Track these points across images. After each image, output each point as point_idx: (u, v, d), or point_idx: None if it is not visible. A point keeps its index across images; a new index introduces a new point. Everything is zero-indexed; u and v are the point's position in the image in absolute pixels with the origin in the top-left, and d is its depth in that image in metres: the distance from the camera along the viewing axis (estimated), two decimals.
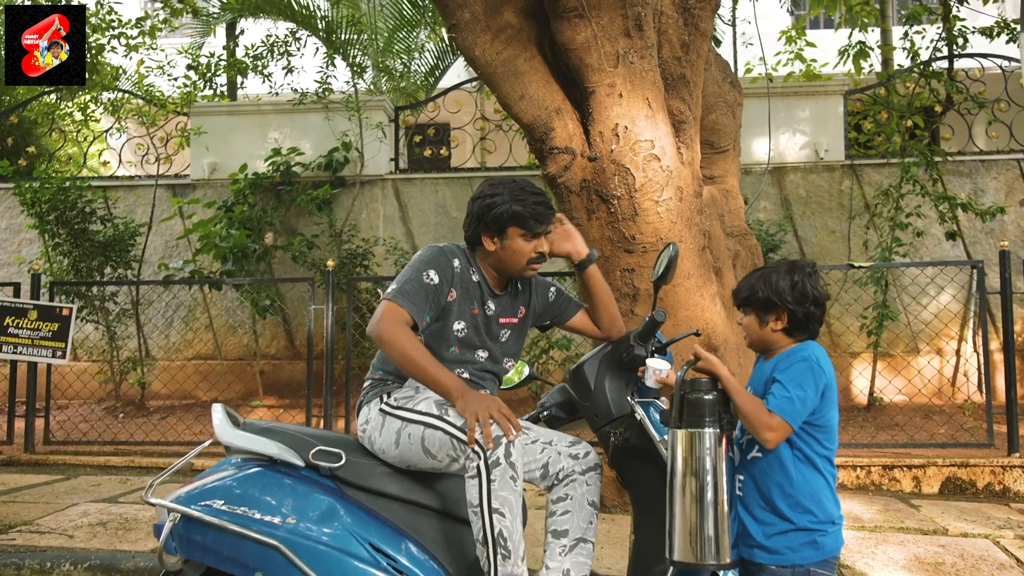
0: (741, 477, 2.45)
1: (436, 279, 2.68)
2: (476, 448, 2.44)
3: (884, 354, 7.57)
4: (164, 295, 8.52)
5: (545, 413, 3.06)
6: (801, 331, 2.41)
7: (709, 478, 2.25)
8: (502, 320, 2.86)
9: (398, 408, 2.68)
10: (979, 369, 7.64)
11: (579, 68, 3.77)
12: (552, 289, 3.02)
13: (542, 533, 2.81)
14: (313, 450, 2.70)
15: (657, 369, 2.54)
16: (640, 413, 2.65)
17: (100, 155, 10.12)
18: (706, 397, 2.30)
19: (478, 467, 2.43)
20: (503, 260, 2.76)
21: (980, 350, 7.73)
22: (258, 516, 2.60)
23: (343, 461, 2.69)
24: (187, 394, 8.27)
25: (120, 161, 9.14)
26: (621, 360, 2.81)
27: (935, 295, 7.70)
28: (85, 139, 9.25)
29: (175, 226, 8.76)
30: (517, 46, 3.85)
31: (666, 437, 2.60)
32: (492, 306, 2.83)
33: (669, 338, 2.94)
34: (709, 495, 2.24)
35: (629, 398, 2.74)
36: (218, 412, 2.84)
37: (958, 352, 7.84)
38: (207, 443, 2.97)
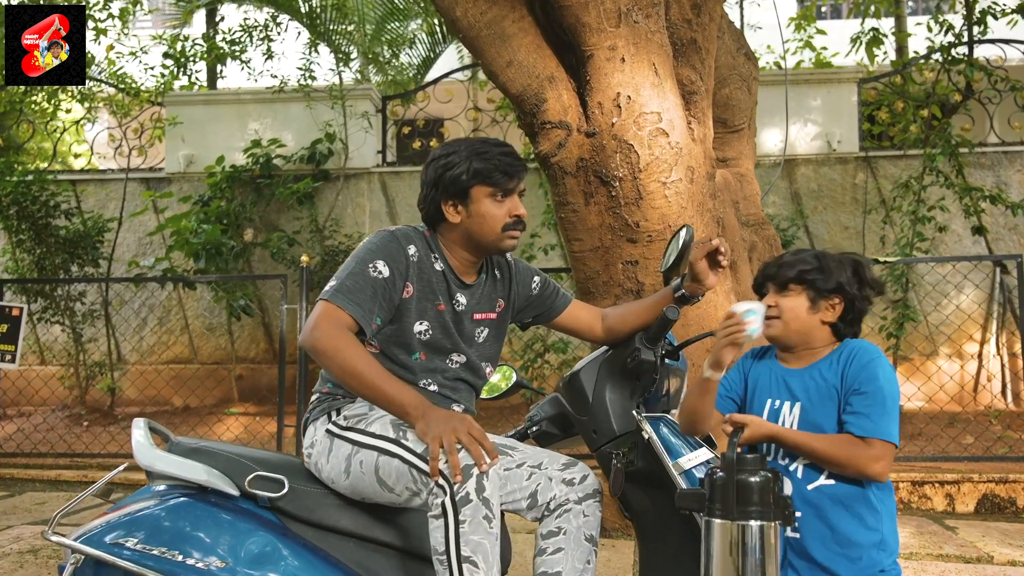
0: (798, 513, 1.94)
1: (386, 271, 2.17)
2: (441, 481, 1.95)
3: (902, 358, 7.09)
4: (137, 295, 8.03)
5: (534, 429, 2.59)
6: (850, 328, 1.98)
7: None
8: (477, 316, 2.36)
9: (348, 429, 2.18)
10: (1008, 373, 7.14)
11: (575, 28, 3.28)
12: (536, 278, 2.51)
13: (531, 563, 2.32)
14: (250, 476, 2.22)
15: (751, 311, 1.94)
16: (648, 431, 2.18)
17: (71, 147, 9.61)
18: (752, 479, 1.79)
19: (443, 505, 1.94)
20: (473, 232, 2.26)
21: (1004, 353, 7.24)
22: (180, 558, 2.14)
23: (285, 490, 2.21)
24: (160, 400, 7.77)
25: (92, 153, 8.65)
26: (625, 366, 2.33)
27: (957, 295, 7.22)
28: (55, 130, 8.75)
29: (149, 222, 8.26)
30: (504, 5, 3.36)
31: (680, 461, 2.14)
32: (462, 299, 2.32)
33: (681, 340, 2.46)
34: None
35: (635, 412, 2.27)
36: (139, 428, 2.36)
37: (980, 355, 7.36)
38: (121, 468, 2.49)
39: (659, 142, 3.28)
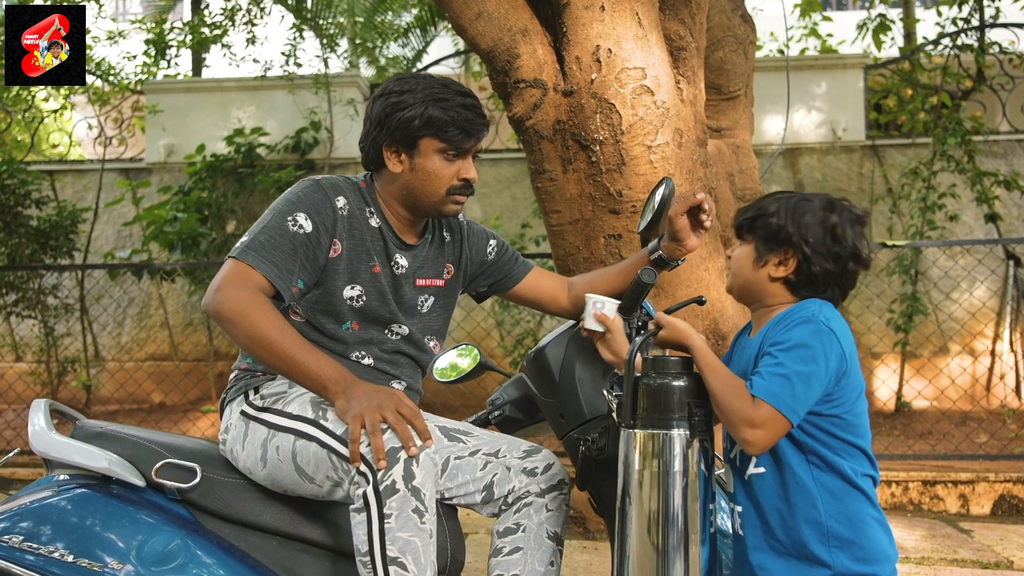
0: (739, 508, 1.65)
1: (308, 226, 1.86)
2: (363, 468, 1.64)
3: (911, 355, 6.75)
4: (114, 290, 7.74)
5: (496, 414, 2.29)
6: (809, 289, 1.64)
7: (678, 502, 1.57)
8: (420, 282, 2.04)
9: (264, 410, 1.87)
10: (1023, 369, 6.80)
11: None
12: (493, 242, 2.20)
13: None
14: (159, 464, 1.92)
15: (597, 302, 1.83)
16: None
17: (48, 137, 9.34)
18: (674, 383, 1.60)
19: (365, 496, 1.63)
20: (412, 188, 1.94)
21: (1019, 348, 6.90)
22: (71, 559, 1.87)
23: (197, 479, 1.91)
24: (138, 398, 7.47)
25: (71, 143, 8.37)
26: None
27: (969, 287, 6.88)
28: (33, 119, 8.49)
29: (129, 214, 7.98)
30: None
31: None
32: (403, 261, 2.00)
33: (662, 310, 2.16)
34: (678, 526, 1.57)
35: (606, 393, 1.96)
36: (38, 409, 2.07)
37: (993, 352, 7.02)
38: (12, 453, 2.19)
39: (643, 101, 2.97)
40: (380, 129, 1.93)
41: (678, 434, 1.57)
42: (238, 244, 1.85)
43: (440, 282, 2.10)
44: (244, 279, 1.78)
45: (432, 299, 2.08)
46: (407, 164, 1.93)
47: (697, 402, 1.59)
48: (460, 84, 1.97)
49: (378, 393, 1.70)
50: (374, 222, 1.98)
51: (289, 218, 1.86)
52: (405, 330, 2.02)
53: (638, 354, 1.70)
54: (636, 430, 1.60)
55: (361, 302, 1.95)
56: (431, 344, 2.11)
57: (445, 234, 2.13)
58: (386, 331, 2.00)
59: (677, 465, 1.56)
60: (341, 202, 1.93)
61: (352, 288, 1.94)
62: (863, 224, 1.68)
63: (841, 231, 1.63)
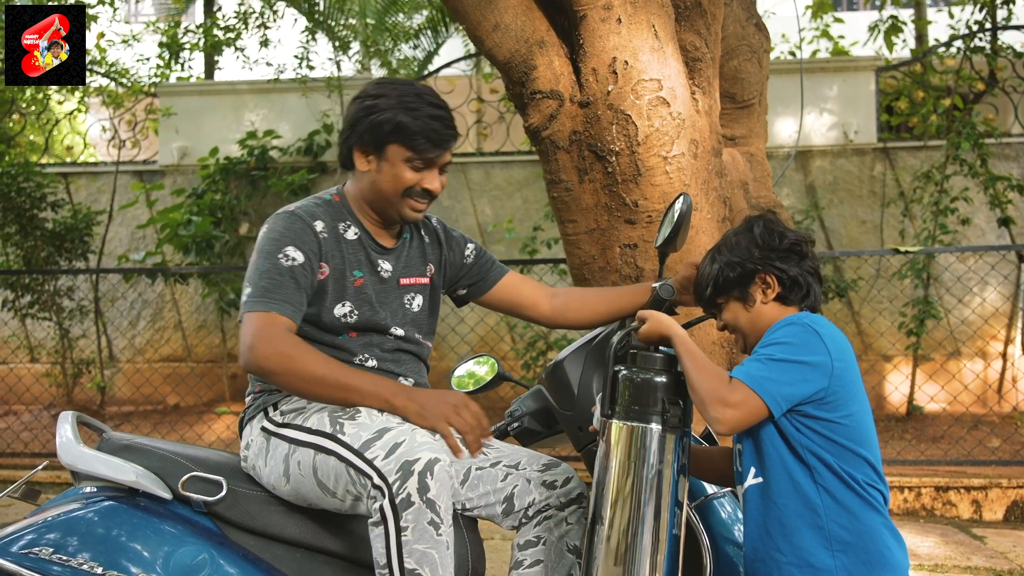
0: (743, 518, 1.71)
1: (299, 256, 1.92)
2: (378, 481, 1.69)
3: (923, 358, 6.75)
4: (128, 292, 7.79)
5: (515, 425, 2.31)
6: (796, 291, 1.72)
7: (649, 493, 1.62)
8: (404, 281, 2.10)
9: (284, 425, 1.91)
10: None
11: None
12: (471, 245, 2.26)
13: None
14: (185, 477, 1.95)
15: None
16: None
17: (63, 140, 9.40)
18: (656, 379, 1.66)
19: (382, 509, 1.67)
20: (377, 187, 1.99)
21: None
22: (100, 571, 1.90)
23: (223, 492, 1.94)
24: (153, 399, 7.52)
25: (85, 145, 8.42)
26: (614, 354, 2.07)
27: (981, 290, 6.87)
28: (47, 122, 8.54)
29: (142, 216, 8.04)
30: None
31: None
32: (386, 265, 2.06)
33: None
34: (648, 524, 1.62)
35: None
36: (66, 422, 2.12)
37: (1004, 355, 7.01)
38: (41, 467, 2.23)
39: (659, 112, 2.99)
40: (352, 130, 2.00)
41: (655, 428, 1.63)
42: (244, 298, 1.91)
43: (425, 280, 2.16)
44: (269, 327, 1.84)
45: (419, 297, 2.14)
46: (374, 165, 1.99)
47: (672, 399, 1.64)
48: (435, 95, 2.02)
49: (445, 397, 1.83)
50: (351, 234, 2.04)
51: (279, 255, 1.91)
52: (400, 332, 2.07)
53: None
54: (613, 420, 1.67)
55: (354, 317, 2.01)
56: (426, 343, 2.16)
57: (423, 235, 2.20)
58: (386, 334, 2.05)
59: (652, 457, 1.62)
60: (320, 226, 1.99)
61: (342, 306, 2.00)
62: (775, 215, 1.82)
63: (768, 229, 1.75)
